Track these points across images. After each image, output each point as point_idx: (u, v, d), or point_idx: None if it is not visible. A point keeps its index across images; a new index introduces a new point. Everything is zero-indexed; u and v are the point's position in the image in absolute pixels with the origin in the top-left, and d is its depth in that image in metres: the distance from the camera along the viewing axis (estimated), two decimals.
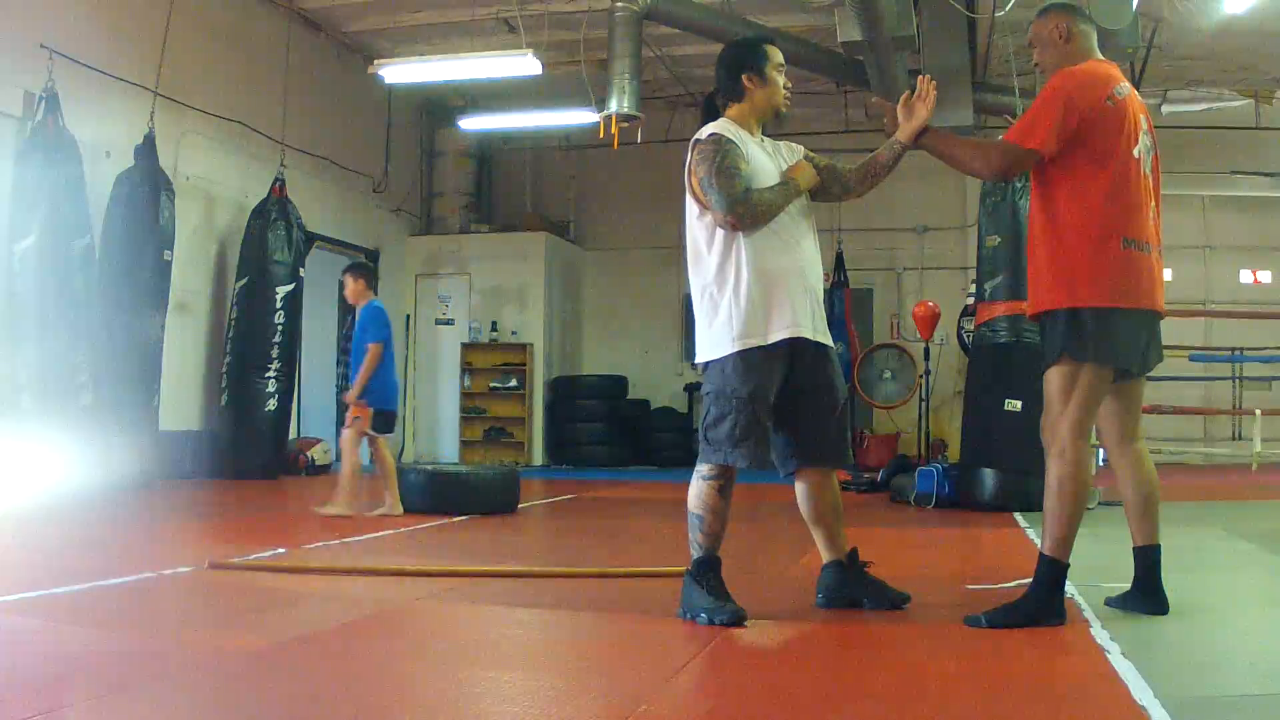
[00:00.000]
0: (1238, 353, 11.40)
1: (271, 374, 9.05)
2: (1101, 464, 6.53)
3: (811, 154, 3.43)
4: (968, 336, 9.61)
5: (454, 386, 12.64)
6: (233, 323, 9.16)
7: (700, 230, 3.26)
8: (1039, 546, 3.11)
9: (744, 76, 3.33)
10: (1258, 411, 10.42)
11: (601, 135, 8.74)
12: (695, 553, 3.21)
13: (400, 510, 6.20)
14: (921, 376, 11.00)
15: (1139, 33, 7.99)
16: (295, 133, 10.04)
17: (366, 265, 6.56)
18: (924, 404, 10.89)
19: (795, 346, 3.21)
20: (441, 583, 3.85)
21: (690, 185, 3.27)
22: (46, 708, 2.17)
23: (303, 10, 10.34)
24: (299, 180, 10.00)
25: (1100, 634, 2.91)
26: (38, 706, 2.17)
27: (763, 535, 5.69)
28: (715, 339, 3.21)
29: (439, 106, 13.09)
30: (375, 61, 9.70)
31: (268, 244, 9.11)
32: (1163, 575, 3.19)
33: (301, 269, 9.43)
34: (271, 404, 9.05)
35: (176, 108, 8.76)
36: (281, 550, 4.67)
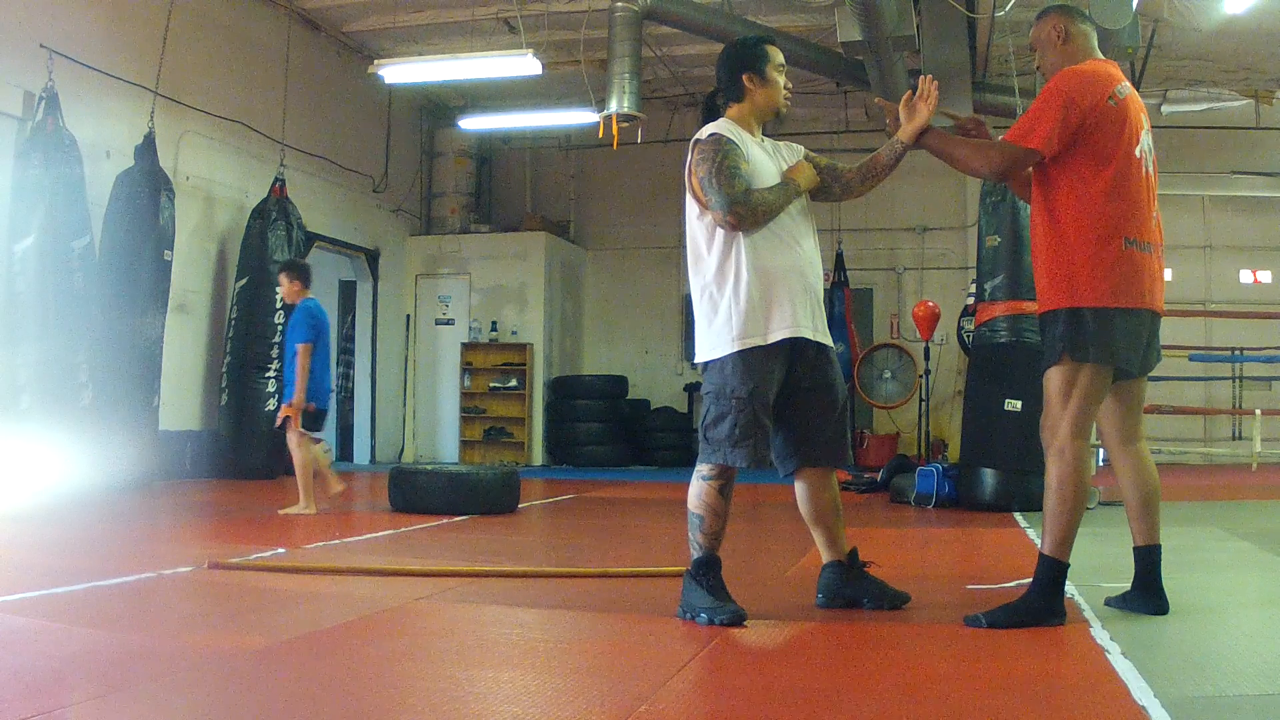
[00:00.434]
0: (1238, 353, 11.40)
1: (271, 374, 9.04)
2: (1101, 464, 6.55)
3: (811, 154, 3.43)
4: (968, 336, 9.61)
5: (454, 386, 12.64)
6: (233, 323, 9.16)
7: (700, 230, 3.26)
8: (1039, 546, 3.11)
9: (744, 76, 3.33)
10: (1258, 411, 10.43)
11: (601, 135, 8.74)
12: (695, 553, 3.21)
13: (313, 510, 6.23)
14: (921, 376, 11.01)
15: (1139, 33, 7.99)
16: (295, 133, 10.04)
17: (301, 264, 6.58)
18: (924, 404, 10.89)
19: (795, 346, 3.21)
20: (441, 583, 3.84)
21: (690, 185, 3.27)
22: (46, 708, 2.17)
23: (303, 10, 10.34)
24: (299, 180, 10.01)
25: (1100, 634, 2.91)
26: (38, 706, 2.17)
27: (763, 535, 5.69)
28: (715, 338, 3.21)
29: (439, 106, 13.10)
30: (375, 61, 9.71)
31: (268, 244, 9.11)
32: (1163, 575, 3.19)
33: None
34: (271, 404, 9.04)
35: (176, 108, 8.77)
36: (281, 550, 4.67)
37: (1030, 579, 3.11)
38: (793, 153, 3.42)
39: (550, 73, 9.81)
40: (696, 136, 3.29)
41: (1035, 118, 3.08)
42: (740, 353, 3.15)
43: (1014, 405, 6.50)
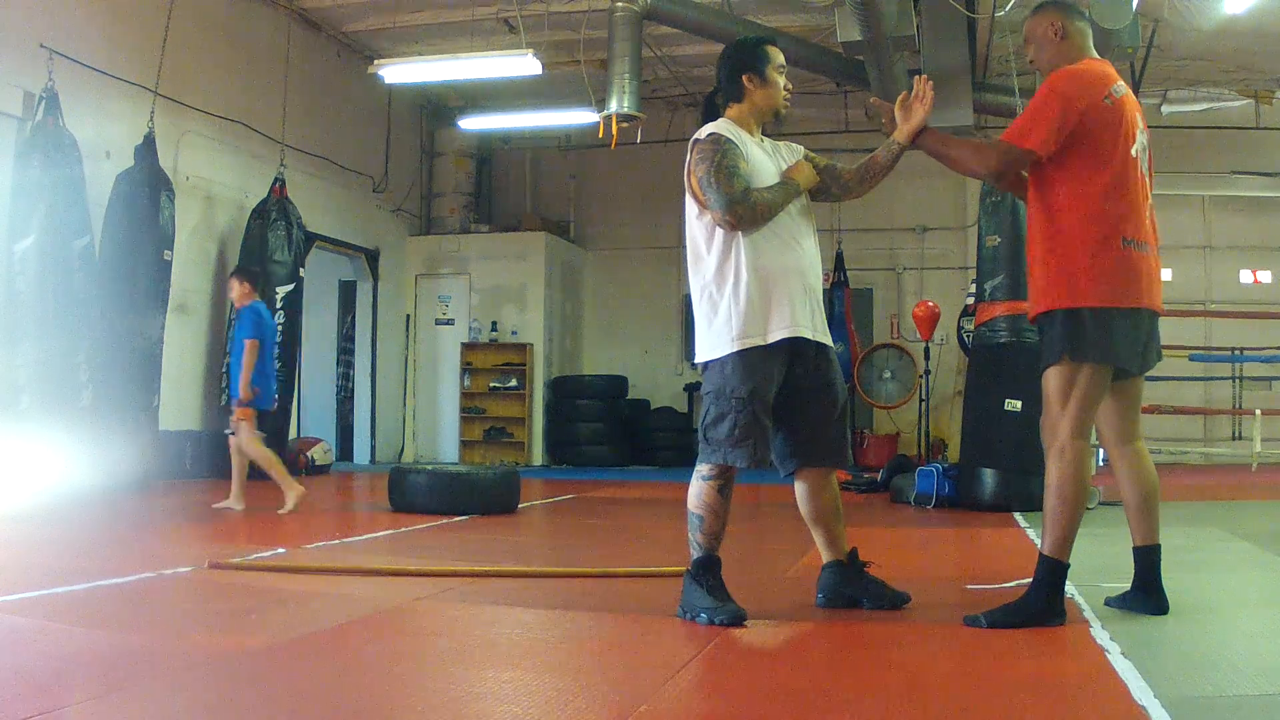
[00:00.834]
0: (1238, 353, 11.41)
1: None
2: (1101, 464, 6.55)
3: (810, 154, 3.43)
4: (968, 336, 9.61)
5: (454, 386, 12.64)
6: (233, 323, 9.14)
7: (700, 230, 3.26)
8: (1039, 547, 3.11)
9: (744, 77, 3.33)
10: (1258, 411, 10.45)
11: (600, 134, 8.74)
12: (695, 553, 3.21)
13: (241, 506, 6.35)
14: (921, 376, 11.01)
15: (1139, 33, 7.99)
16: (295, 133, 10.04)
17: (252, 270, 6.72)
18: (924, 404, 10.89)
19: (795, 346, 3.21)
20: (441, 583, 3.84)
21: (690, 185, 3.27)
22: (46, 708, 2.17)
23: (303, 10, 10.34)
24: (299, 180, 10.00)
25: (1100, 634, 2.91)
26: (38, 706, 2.17)
27: (763, 535, 5.69)
28: (715, 339, 3.21)
29: (439, 106, 13.10)
30: (375, 61, 9.71)
31: (268, 244, 9.11)
32: (1163, 575, 3.19)
33: (301, 269, 9.43)
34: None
35: (176, 108, 8.77)
36: (281, 550, 4.67)
37: (1030, 579, 3.11)
38: (792, 152, 3.42)
39: (550, 73, 9.81)
40: (695, 136, 3.29)
41: (1032, 118, 3.08)
42: (740, 353, 3.15)
43: (1014, 405, 6.51)
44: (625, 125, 8.72)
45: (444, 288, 12.83)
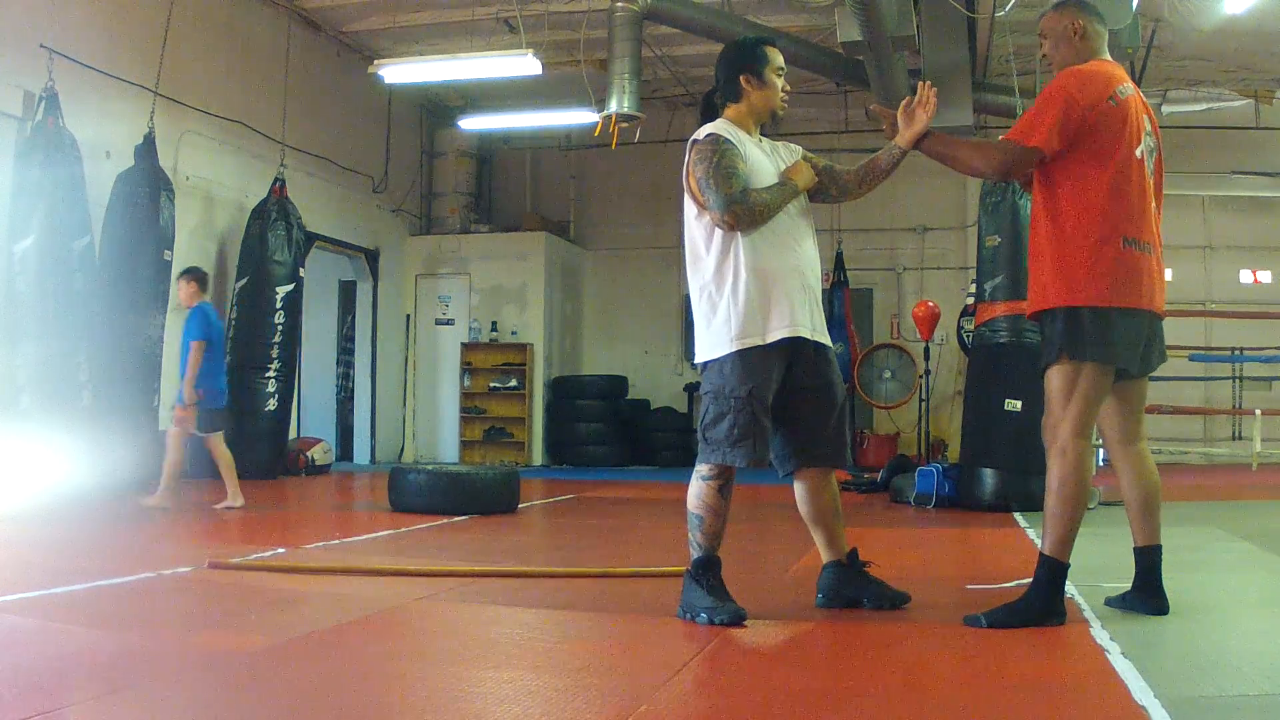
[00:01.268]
0: (1238, 353, 11.41)
1: (271, 374, 9.04)
2: (1102, 464, 6.55)
3: (809, 154, 3.43)
4: (968, 336, 9.60)
5: (454, 386, 12.64)
6: (233, 323, 9.15)
7: (698, 230, 3.26)
8: (1039, 546, 3.11)
9: (742, 77, 3.33)
10: (1258, 411, 10.46)
11: (598, 133, 8.74)
12: (695, 553, 3.21)
13: (241, 501, 6.37)
14: (921, 376, 11.01)
15: (1139, 33, 7.99)
16: (295, 133, 10.04)
17: (199, 271, 6.76)
18: (924, 404, 10.89)
19: (794, 346, 3.21)
20: (441, 583, 3.84)
21: (688, 185, 3.27)
22: (46, 708, 2.17)
23: (303, 10, 10.34)
24: (299, 180, 10.00)
25: (1100, 634, 2.91)
26: (38, 706, 2.17)
27: (763, 535, 5.69)
28: (714, 339, 3.21)
29: (439, 106, 13.10)
30: (375, 61, 9.70)
31: (268, 244, 9.11)
32: (1163, 575, 3.19)
33: (301, 269, 9.43)
34: (271, 404, 9.05)
35: (176, 108, 8.77)
36: (281, 550, 4.67)
37: (1030, 579, 3.11)
38: (790, 153, 3.42)
39: (550, 73, 9.80)
40: (694, 137, 3.29)
41: (1036, 117, 3.08)
42: (739, 353, 3.16)
43: (1014, 405, 6.51)
44: (625, 125, 8.72)
45: (444, 288, 12.83)
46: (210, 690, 2.45)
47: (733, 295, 3.17)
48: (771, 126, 3.48)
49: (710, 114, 3.41)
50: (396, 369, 12.59)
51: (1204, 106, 11.41)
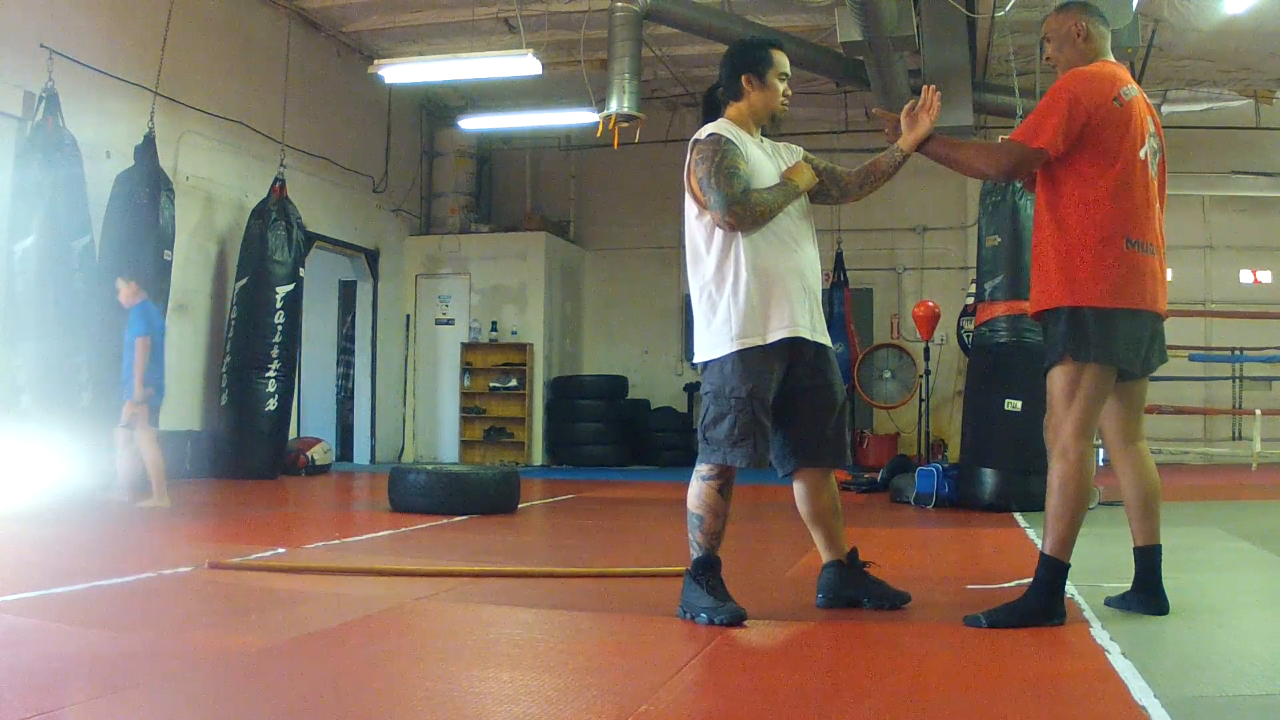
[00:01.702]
0: (1238, 353, 11.41)
1: (271, 374, 9.04)
2: (1102, 464, 6.55)
3: (810, 155, 3.43)
4: (968, 336, 9.61)
5: (454, 386, 12.64)
6: (233, 323, 9.15)
7: (699, 230, 3.26)
8: (1039, 546, 3.11)
9: (744, 77, 3.33)
10: (1258, 411, 10.46)
11: (599, 134, 8.74)
12: (695, 553, 3.21)
13: (168, 503, 6.36)
14: (921, 376, 11.01)
15: (1139, 33, 7.99)
16: (295, 133, 10.04)
17: (137, 271, 6.77)
18: (924, 404, 10.89)
19: (794, 346, 3.21)
20: (441, 583, 3.84)
21: (689, 185, 3.27)
22: (46, 708, 2.17)
23: (303, 10, 10.34)
24: (299, 180, 10.00)
25: (1100, 634, 2.91)
26: (38, 706, 2.17)
27: (763, 535, 5.69)
28: (714, 339, 3.21)
29: (439, 106, 13.10)
30: (375, 61, 9.70)
31: (268, 244, 9.11)
32: (1163, 575, 3.19)
33: (301, 269, 9.43)
34: (271, 404, 9.05)
35: (176, 108, 8.77)
36: (281, 550, 4.67)
37: (1030, 579, 3.11)
38: (791, 154, 3.42)
39: (550, 73, 9.80)
40: (695, 137, 3.29)
41: (1041, 118, 3.08)
42: (739, 353, 3.16)
43: (1014, 405, 6.50)
44: (625, 125, 8.72)
45: (444, 288, 12.83)
46: (210, 690, 2.45)
47: (733, 295, 3.17)
48: (771, 127, 3.48)
49: (712, 109, 3.42)
50: (396, 369, 12.59)
51: (1204, 106, 11.41)
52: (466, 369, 12.57)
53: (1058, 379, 3.11)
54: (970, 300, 9.22)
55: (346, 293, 12.51)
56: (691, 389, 12.55)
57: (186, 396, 9.04)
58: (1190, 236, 11.82)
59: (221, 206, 9.52)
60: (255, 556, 4.38)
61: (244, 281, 9.15)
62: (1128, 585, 3.24)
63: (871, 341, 12.35)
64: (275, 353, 9.08)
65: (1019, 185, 6.60)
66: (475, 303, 12.71)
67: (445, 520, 5.98)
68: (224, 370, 9.17)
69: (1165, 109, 11.13)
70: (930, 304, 11.15)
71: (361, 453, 12.06)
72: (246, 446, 8.93)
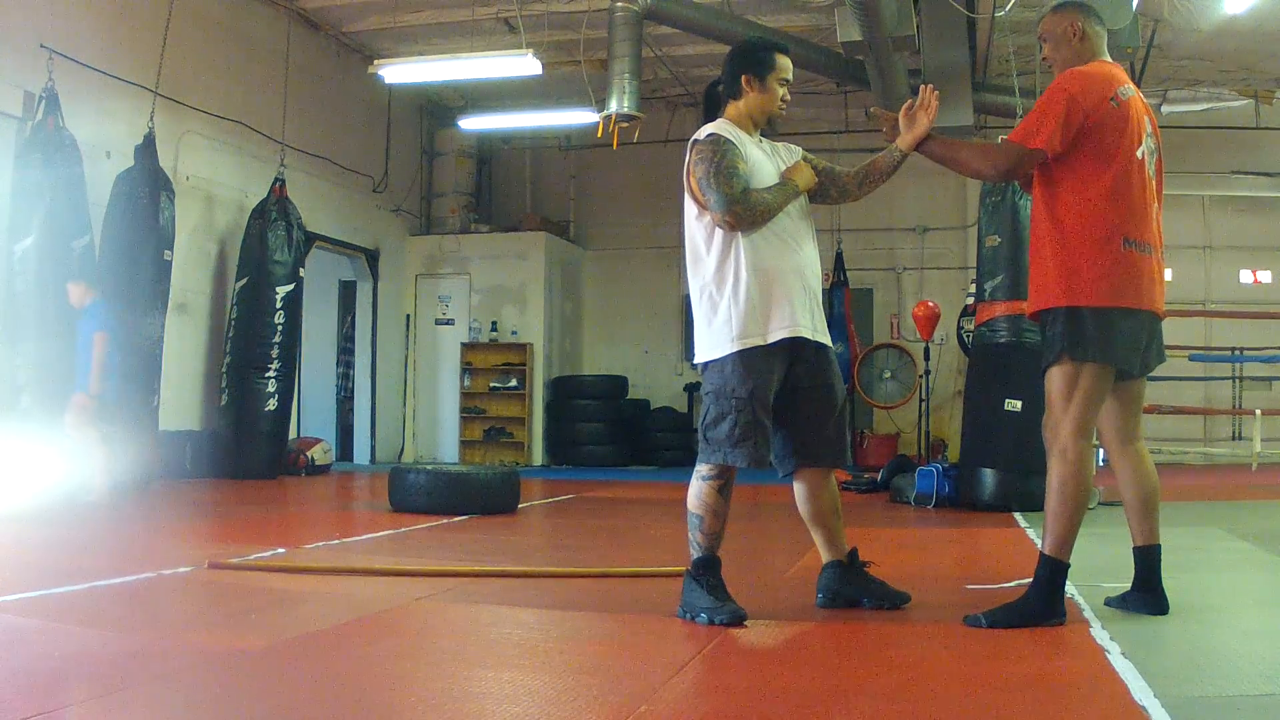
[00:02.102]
0: (1238, 353, 11.40)
1: (271, 374, 9.04)
2: (1102, 464, 6.55)
3: (809, 155, 3.43)
4: (968, 336, 9.61)
5: (454, 386, 12.64)
6: (233, 323, 9.15)
7: (699, 230, 3.26)
8: (1039, 546, 3.11)
9: (744, 77, 3.33)
10: (1258, 411, 10.44)
11: (600, 135, 8.74)
12: (695, 553, 3.21)
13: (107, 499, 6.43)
14: (921, 376, 11.00)
15: (1139, 33, 7.99)
16: (295, 133, 10.04)
17: (86, 274, 6.89)
18: (924, 404, 10.89)
19: (795, 346, 3.21)
20: (441, 583, 3.84)
21: (689, 185, 3.27)
22: (46, 708, 2.17)
23: (303, 10, 10.34)
24: (299, 180, 10.00)
25: (1100, 634, 2.91)
26: (38, 706, 2.17)
27: (763, 535, 5.69)
28: (715, 339, 3.21)
29: (439, 106, 13.10)
30: (375, 61, 9.70)
31: (268, 244, 9.11)
32: (1163, 575, 3.19)
33: (301, 269, 9.43)
34: (271, 404, 9.05)
35: (176, 108, 8.77)
36: (281, 550, 4.67)
37: (1030, 579, 3.11)
38: (791, 154, 3.42)
39: (550, 73, 9.80)
40: (695, 137, 3.29)
41: (1039, 119, 3.09)
42: (740, 353, 3.16)
43: (1014, 405, 6.50)
44: (625, 125, 8.72)
45: (444, 288, 12.83)
46: (210, 690, 2.45)
47: (733, 295, 3.17)
48: (769, 128, 3.48)
49: (712, 103, 3.42)
50: (396, 369, 12.59)
51: (1204, 106, 11.41)
52: (466, 369, 12.57)
53: (1056, 379, 3.11)
54: (970, 300, 9.22)
55: (346, 293, 12.52)
56: (691, 389, 12.55)
57: (186, 396, 9.05)
58: (1190, 236, 11.82)
59: (221, 206, 9.52)
60: (255, 556, 4.38)
61: (244, 281, 9.15)
62: (1128, 585, 3.24)
63: (871, 341, 12.34)
64: (275, 353, 9.08)
65: (1018, 185, 6.61)
66: (475, 303, 12.71)
67: (445, 520, 5.98)
68: (224, 370, 9.17)
69: (1165, 109, 11.14)
70: (930, 304, 11.14)
71: (361, 453, 12.06)
72: (246, 446, 8.92)
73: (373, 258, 12.09)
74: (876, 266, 12.77)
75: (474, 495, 6.37)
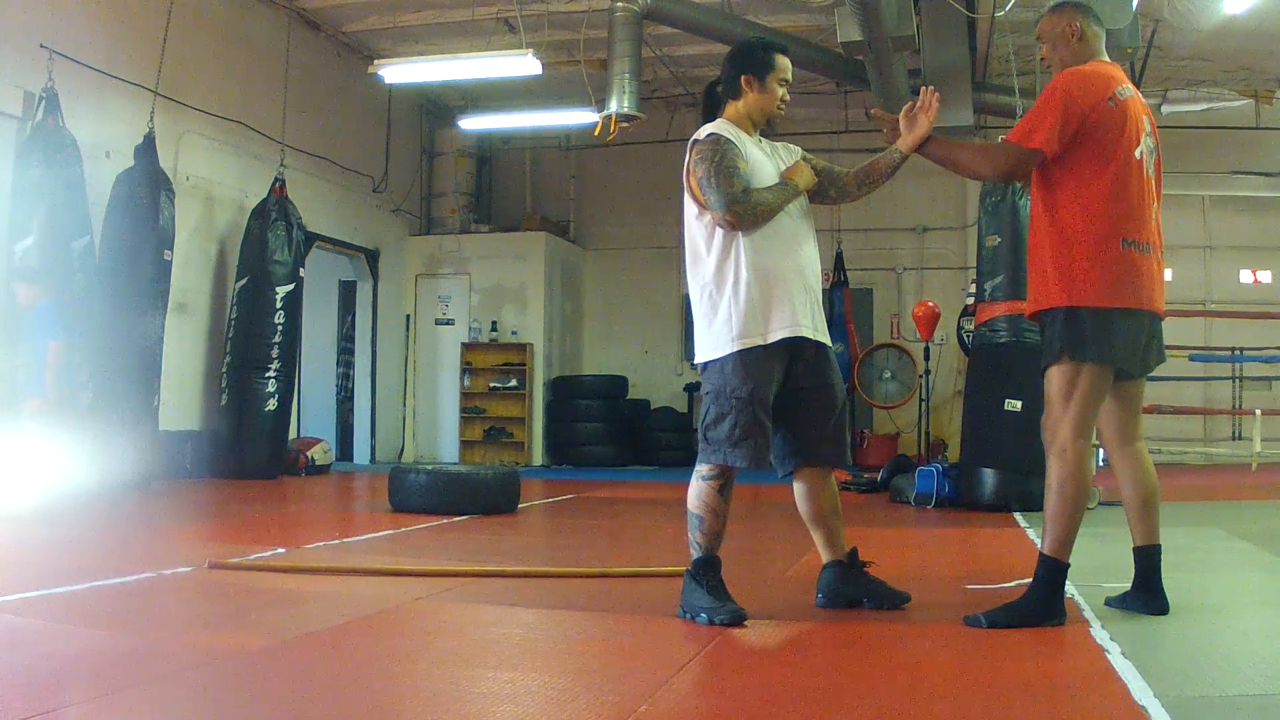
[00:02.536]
0: (1238, 353, 11.40)
1: (271, 374, 9.04)
2: (1101, 464, 6.55)
3: (809, 155, 3.44)
4: (968, 336, 9.61)
5: (454, 386, 12.64)
6: (233, 323, 9.15)
7: (699, 230, 3.26)
8: (1038, 546, 3.11)
9: (743, 78, 3.33)
10: (1258, 411, 10.44)
11: (597, 133, 8.74)
12: (695, 553, 3.21)
13: None
14: (921, 376, 11.01)
15: (1139, 33, 7.99)
16: (295, 133, 10.04)
17: (32, 275, 6.89)
18: (924, 404, 10.89)
19: (795, 345, 3.21)
20: (441, 583, 3.84)
21: (689, 185, 3.27)
22: (46, 708, 2.17)
23: (303, 10, 10.34)
24: (299, 180, 10.00)
25: (1100, 634, 2.91)
26: (38, 706, 2.17)
27: (763, 535, 5.69)
28: (715, 338, 3.21)
29: (439, 106, 13.10)
30: (375, 61, 9.70)
31: (268, 244, 9.11)
32: (1163, 575, 3.19)
33: (301, 269, 9.43)
34: (271, 404, 9.05)
35: (176, 108, 8.77)
36: (281, 550, 4.67)
37: (1030, 579, 3.11)
38: (790, 154, 3.42)
39: (550, 73, 9.80)
40: (695, 137, 3.29)
41: (1037, 119, 3.09)
42: (740, 352, 3.15)
43: (1014, 405, 6.50)
44: (626, 125, 8.72)
45: (444, 288, 12.82)
46: (210, 690, 2.45)
47: (734, 295, 3.16)
48: (768, 128, 3.48)
49: (712, 104, 3.42)
50: (396, 369, 12.59)
51: (1204, 106, 11.40)
52: (466, 369, 12.57)
53: (1055, 379, 3.12)
54: (970, 300, 9.22)
55: (346, 293, 12.51)
56: (691, 389, 12.55)
57: (186, 396, 9.04)
58: (1190, 236, 11.81)
59: (221, 206, 9.52)
60: (255, 556, 4.38)
61: (244, 281, 9.15)
62: (1128, 585, 3.24)
63: (871, 341, 12.34)
64: (275, 353, 9.08)
65: (1019, 185, 6.61)
66: (475, 303, 12.71)
67: (445, 520, 5.98)
68: (224, 370, 9.16)
69: (1165, 109, 11.13)
70: (930, 304, 11.14)
71: (361, 453, 12.06)
72: (246, 446, 8.92)
73: (373, 258, 12.09)
74: (876, 266, 12.76)
75: (474, 495, 6.37)
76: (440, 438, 12.70)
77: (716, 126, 3.29)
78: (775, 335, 3.16)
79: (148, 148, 8.00)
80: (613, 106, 8.56)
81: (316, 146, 10.69)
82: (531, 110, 11.61)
